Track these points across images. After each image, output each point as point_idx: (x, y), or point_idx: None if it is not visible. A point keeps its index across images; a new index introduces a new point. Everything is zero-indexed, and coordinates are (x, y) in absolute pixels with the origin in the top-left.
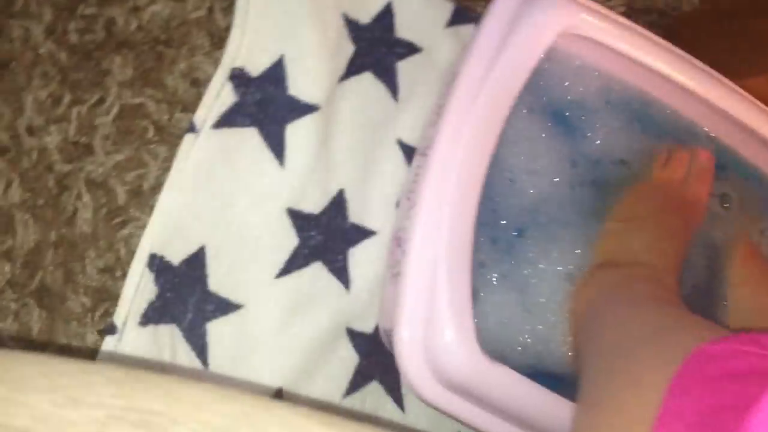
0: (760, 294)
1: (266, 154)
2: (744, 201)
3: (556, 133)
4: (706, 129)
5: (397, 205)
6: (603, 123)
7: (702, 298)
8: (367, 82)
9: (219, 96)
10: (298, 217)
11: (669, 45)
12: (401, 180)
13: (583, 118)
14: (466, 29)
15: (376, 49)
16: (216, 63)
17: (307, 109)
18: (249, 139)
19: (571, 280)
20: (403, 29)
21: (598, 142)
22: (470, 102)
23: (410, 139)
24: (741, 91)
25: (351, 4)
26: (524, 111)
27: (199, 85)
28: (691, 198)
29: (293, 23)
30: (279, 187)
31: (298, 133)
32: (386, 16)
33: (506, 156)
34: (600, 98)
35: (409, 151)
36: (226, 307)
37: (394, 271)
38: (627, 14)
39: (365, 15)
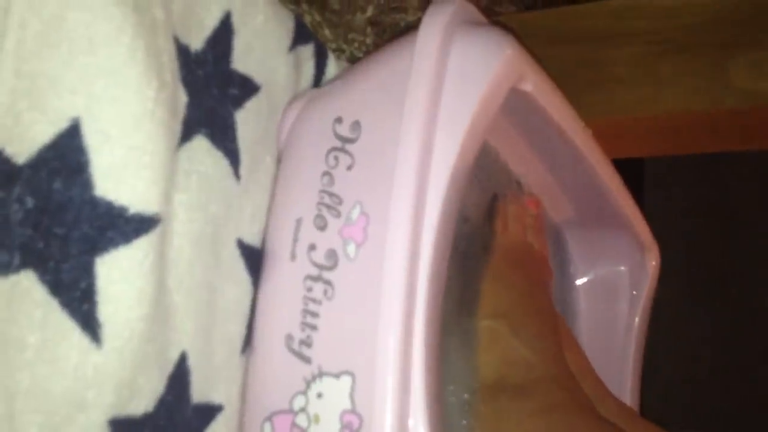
0: (569, 356)
1: (62, 323)
2: None
3: None
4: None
5: (243, 351)
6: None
7: None
8: (201, 152)
9: None
10: (125, 430)
11: None
12: (246, 308)
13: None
14: (305, 52)
15: (209, 93)
16: None
17: (138, 225)
18: (23, 295)
19: (472, 412)
20: (240, 57)
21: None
22: (424, 201)
23: (252, 236)
24: None
25: (182, 24)
26: None
27: None
28: (538, 256)
29: (105, 55)
30: (94, 387)
31: (119, 272)
32: (223, 36)
33: None
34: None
35: (251, 256)
36: None
37: None
38: None
39: (198, 37)
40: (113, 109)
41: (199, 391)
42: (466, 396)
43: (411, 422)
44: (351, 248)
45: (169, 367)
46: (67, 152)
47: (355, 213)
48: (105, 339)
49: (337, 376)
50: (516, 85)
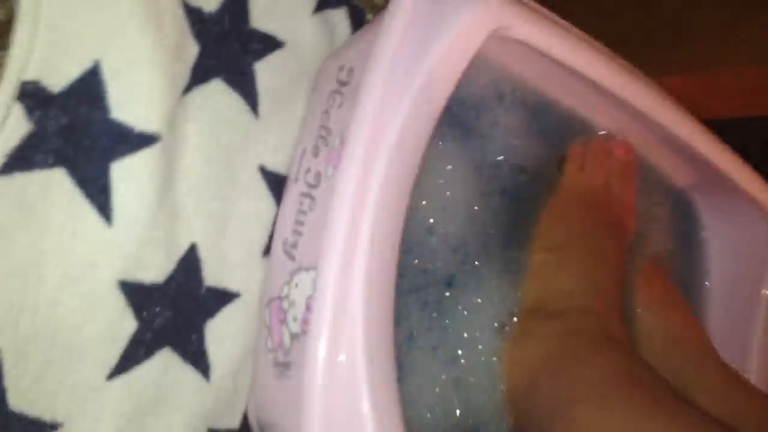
0: (670, 320)
1: (83, 207)
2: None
3: (455, 145)
4: (611, 129)
5: (265, 253)
6: (498, 122)
7: None
8: (217, 92)
9: (3, 126)
10: (135, 291)
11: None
12: (267, 221)
13: (477, 118)
14: (337, 15)
15: (227, 47)
16: None
17: (142, 140)
18: (55, 185)
19: (504, 333)
20: (260, 18)
21: (497, 146)
22: (382, 128)
23: (276, 165)
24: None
25: None
26: None
27: None
28: (618, 204)
29: (113, 14)
30: (105, 253)
31: (128, 174)
32: (237, 1)
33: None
34: (492, 93)
35: (274, 180)
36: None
37: (278, 356)
38: None
39: (211, 1)
40: (122, 54)
41: (213, 278)
42: (504, 319)
43: (350, 303)
44: (329, 170)
45: (179, 252)
46: (90, 85)
47: (336, 141)
48: (115, 221)
49: (307, 269)
50: (503, 33)
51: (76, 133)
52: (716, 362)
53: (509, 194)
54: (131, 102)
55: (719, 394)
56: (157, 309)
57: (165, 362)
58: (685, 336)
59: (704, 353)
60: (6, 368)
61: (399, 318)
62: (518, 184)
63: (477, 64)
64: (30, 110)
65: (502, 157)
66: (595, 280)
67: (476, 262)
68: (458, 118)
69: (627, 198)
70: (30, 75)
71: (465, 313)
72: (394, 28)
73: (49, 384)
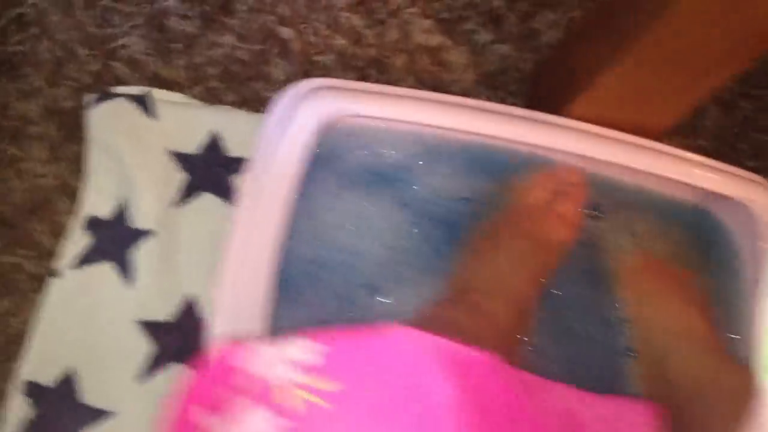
0: (664, 310)
1: (116, 277)
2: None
3: (385, 195)
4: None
5: None
6: (432, 171)
7: (597, 319)
8: (207, 201)
9: (76, 242)
10: (150, 327)
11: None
12: None
13: (408, 173)
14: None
15: (211, 171)
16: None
17: (142, 234)
18: (104, 270)
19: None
20: (235, 148)
21: (432, 188)
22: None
23: None
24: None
25: (175, 141)
26: (342, 190)
27: (62, 236)
28: (555, 217)
29: (124, 169)
30: (128, 302)
31: (139, 254)
32: (215, 142)
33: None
34: (418, 153)
35: None
36: (98, 415)
37: None
38: None
39: (192, 146)
40: (130, 189)
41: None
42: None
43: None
44: None
45: (180, 303)
46: (121, 212)
47: None
48: (135, 281)
49: None
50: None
51: (114, 239)
52: (717, 355)
53: (448, 219)
54: (137, 214)
55: (725, 390)
56: (169, 339)
57: (177, 372)
58: (682, 329)
59: (704, 347)
60: (81, 376)
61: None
62: (465, 212)
63: (391, 137)
64: (91, 231)
65: (432, 188)
66: (499, 274)
67: (406, 276)
68: (389, 178)
69: (567, 213)
70: (90, 211)
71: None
72: (265, 125)
73: (104, 385)
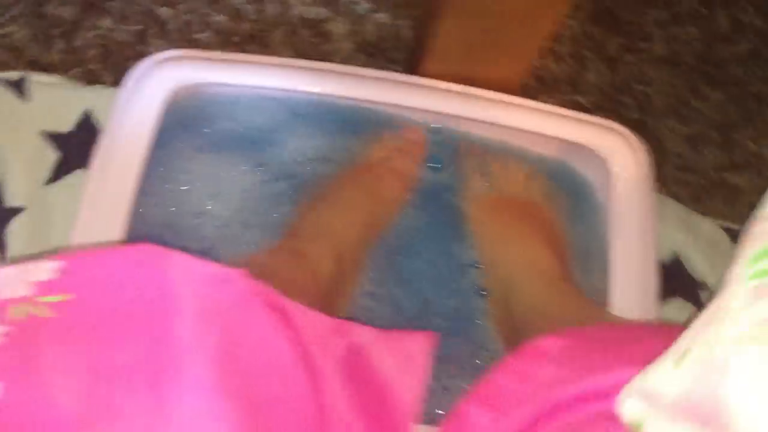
0: (511, 244)
1: None
2: (462, 153)
3: (242, 158)
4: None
5: None
6: (293, 133)
7: (451, 264)
8: (80, 178)
9: None
10: None
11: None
12: None
13: (268, 136)
14: None
15: (85, 149)
16: None
17: (13, 213)
18: None
19: None
20: None
21: (291, 149)
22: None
23: None
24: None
25: (48, 122)
26: (195, 152)
27: None
28: (391, 172)
29: None
30: None
31: (9, 232)
32: (88, 120)
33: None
34: (278, 117)
35: None
36: None
37: None
38: None
39: (66, 126)
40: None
41: None
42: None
43: None
44: None
45: None
46: None
47: None
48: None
49: None
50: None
51: None
52: (560, 285)
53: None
54: (7, 192)
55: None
56: None
57: None
58: (526, 261)
59: (548, 278)
60: None
61: None
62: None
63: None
64: None
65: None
66: (322, 224)
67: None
68: (247, 140)
69: (405, 166)
70: None
71: None
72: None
73: None
